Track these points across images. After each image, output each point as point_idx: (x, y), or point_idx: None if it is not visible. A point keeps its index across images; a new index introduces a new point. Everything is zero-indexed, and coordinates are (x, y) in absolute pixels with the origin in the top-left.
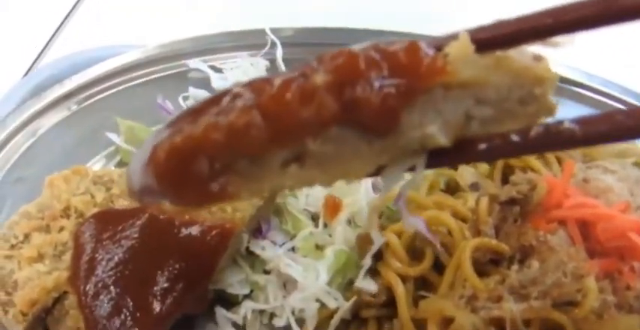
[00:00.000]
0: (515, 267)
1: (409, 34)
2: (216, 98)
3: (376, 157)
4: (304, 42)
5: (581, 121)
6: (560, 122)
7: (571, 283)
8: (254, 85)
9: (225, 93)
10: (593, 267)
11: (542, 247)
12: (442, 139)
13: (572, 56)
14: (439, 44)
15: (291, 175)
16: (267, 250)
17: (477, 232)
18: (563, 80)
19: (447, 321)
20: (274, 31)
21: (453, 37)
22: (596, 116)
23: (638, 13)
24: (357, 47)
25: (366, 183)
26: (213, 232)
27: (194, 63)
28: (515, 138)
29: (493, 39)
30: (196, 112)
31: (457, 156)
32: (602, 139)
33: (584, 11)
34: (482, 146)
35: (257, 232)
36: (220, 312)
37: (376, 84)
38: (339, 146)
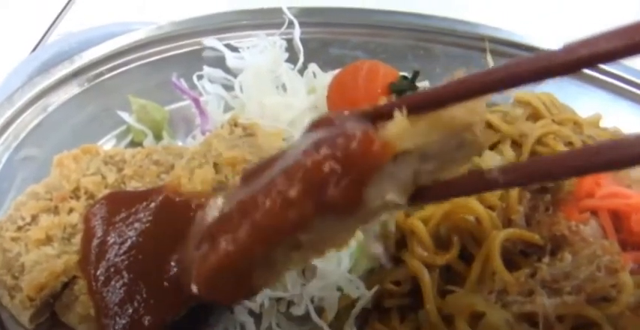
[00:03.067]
0: (546, 259)
1: (423, 14)
2: (224, 220)
3: (353, 227)
4: (322, 21)
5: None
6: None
7: (605, 277)
8: (242, 207)
9: (225, 214)
10: (628, 260)
11: (574, 237)
12: (400, 201)
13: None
14: (380, 115)
15: (295, 259)
16: None
17: (507, 221)
18: None
19: (476, 316)
20: (292, 9)
21: (388, 106)
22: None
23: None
24: (310, 140)
25: None
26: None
27: (209, 41)
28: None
29: (424, 103)
30: (212, 236)
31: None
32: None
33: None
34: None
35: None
36: None
37: (335, 182)
38: (322, 231)
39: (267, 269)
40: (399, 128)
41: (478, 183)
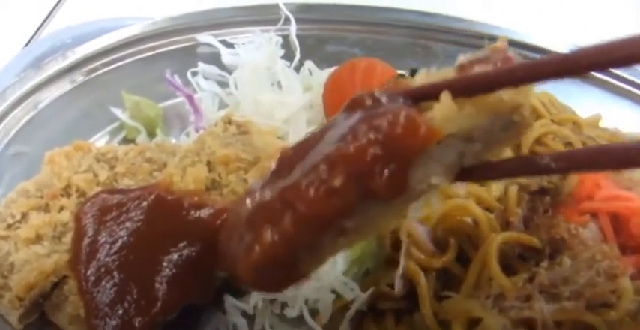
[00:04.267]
0: (544, 263)
1: (422, 11)
2: (265, 209)
3: (398, 211)
4: (319, 18)
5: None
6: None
7: (605, 282)
8: (285, 197)
9: (267, 203)
10: (628, 265)
11: (573, 240)
12: (445, 183)
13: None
14: (422, 95)
15: (341, 244)
16: None
17: (505, 224)
18: (546, 52)
19: (473, 321)
20: (288, 6)
21: (434, 87)
22: None
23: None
24: (350, 122)
25: None
26: (224, 216)
27: (204, 37)
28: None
29: (471, 86)
30: (254, 226)
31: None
32: None
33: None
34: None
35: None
36: (229, 300)
37: (380, 170)
38: (367, 216)
39: (314, 255)
40: (446, 112)
41: (528, 167)
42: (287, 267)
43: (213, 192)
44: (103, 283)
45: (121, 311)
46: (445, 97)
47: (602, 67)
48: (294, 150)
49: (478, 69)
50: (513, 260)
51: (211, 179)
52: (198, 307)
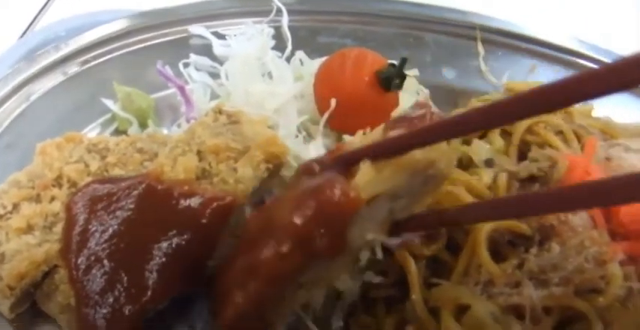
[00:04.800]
0: (534, 250)
1: (414, 2)
2: (235, 272)
3: (343, 265)
4: (310, 9)
5: None
6: None
7: (594, 268)
8: (250, 262)
9: (237, 269)
10: (617, 251)
11: (562, 227)
12: (380, 237)
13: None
14: (352, 160)
15: (301, 296)
16: None
17: None
18: (540, 43)
19: (462, 308)
20: None
21: (357, 154)
22: None
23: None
24: (295, 193)
25: None
26: (214, 205)
27: (196, 29)
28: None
29: (389, 149)
30: (229, 287)
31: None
32: None
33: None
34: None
35: (260, 206)
36: None
37: (320, 234)
38: (317, 271)
39: (279, 307)
40: (366, 178)
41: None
42: (257, 319)
43: (203, 181)
44: (94, 271)
45: (111, 300)
46: (364, 164)
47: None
48: (259, 214)
49: (397, 131)
50: (503, 247)
51: (202, 168)
52: (189, 296)
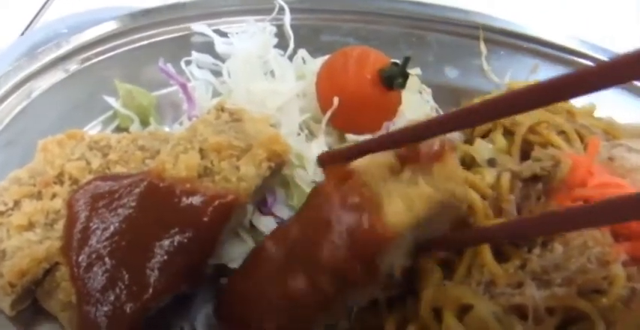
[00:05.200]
0: (537, 251)
1: (416, 1)
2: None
3: (371, 290)
4: (313, 8)
5: None
6: None
7: (597, 269)
8: (285, 293)
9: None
10: (620, 252)
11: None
12: (407, 263)
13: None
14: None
15: (327, 317)
16: (271, 227)
17: (498, 210)
18: (542, 43)
19: (465, 308)
20: None
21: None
22: None
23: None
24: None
25: None
26: (216, 203)
27: (198, 26)
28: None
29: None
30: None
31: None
32: None
33: None
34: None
35: (262, 205)
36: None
37: (356, 271)
38: (347, 299)
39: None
40: (399, 217)
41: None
42: None
43: (205, 179)
44: (95, 269)
45: (112, 297)
46: (395, 200)
47: None
48: (281, 237)
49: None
50: (506, 247)
51: (204, 166)
52: (190, 294)
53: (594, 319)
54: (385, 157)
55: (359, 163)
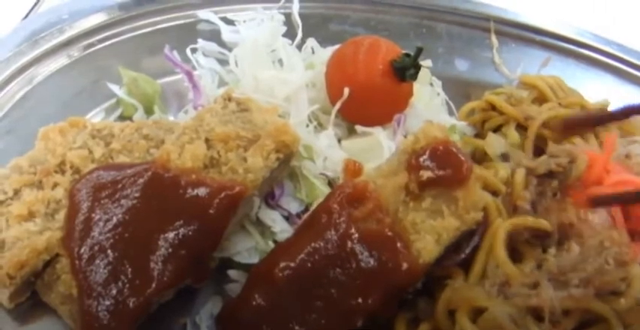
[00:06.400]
0: (552, 250)
1: None
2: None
3: None
4: None
5: None
6: None
7: (614, 270)
8: None
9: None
10: (638, 252)
11: (582, 226)
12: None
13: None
14: None
15: None
16: (278, 223)
17: (513, 208)
18: (554, 36)
19: (478, 310)
20: None
21: None
22: None
23: None
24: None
25: (390, 147)
26: (222, 194)
27: (204, 14)
28: None
29: None
30: None
31: None
32: None
33: None
34: None
35: (269, 197)
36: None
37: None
38: None
39: None
40: (431, 255)
41: None
42: None
43: (211, 170)
44: (97, 261)
45: (114, 291)
46: (427, 241)
47: None
48: (291, 266)
49: (426, 172)
50: (521, 245)
51: (210, 157)
52: (194, 289)
53: (612, 321)
54: (401, 178)
55: (371, 181)
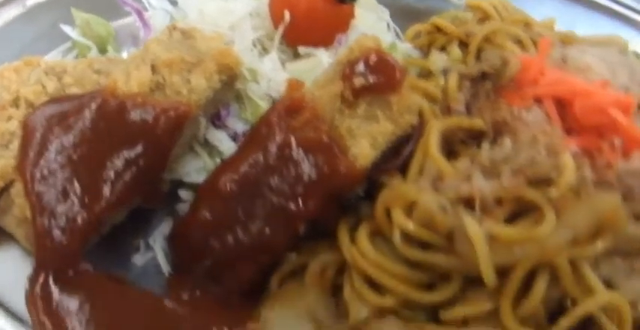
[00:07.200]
0: (486, 146)
1: None
2: None
3: None
4: None
5: None
6: None
7: (546, 159)
8: (263, 243)
9: None
10: (570, 143)
11: (516, 123)
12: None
13: None
14: None
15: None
16: (225, 142)
17: (448, 111)
18: None
19: (415, 206)
20: None
21: None
22: None
23: None
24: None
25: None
26: (167, 114)
27: None
28: None
29: None
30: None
31: None
32: None
33: None
34: None
35: (215, 118)
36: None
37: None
38: None
39: None
40: (367, 159)
41: None
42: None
43: (157, 93)
44: (49, 182)
45: (65, 209)
46: (363, 145)
47: None
48: (232, 172)
49: (359, 79)
50: (457, 145)
51: (155, 81)
52: (147, 211)
53: (543, 208)
54: (336, 87)
55: (309, 93)
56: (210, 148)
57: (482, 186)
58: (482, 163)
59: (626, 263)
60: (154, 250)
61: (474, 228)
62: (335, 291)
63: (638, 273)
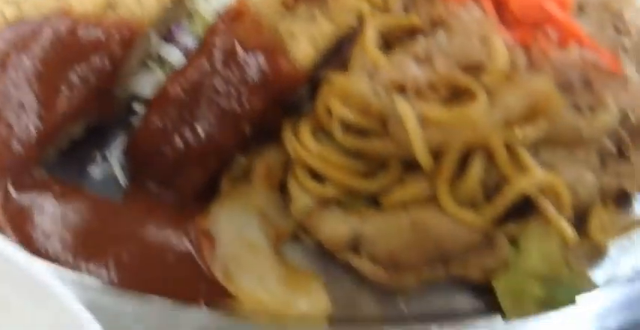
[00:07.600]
0: (421, 39)
1: None
2: None
3: None
4: None
5: None
6: None
7: (478, 46)
8: (212, 149)
9: None
10: (502, 31)
11: (452, 19)
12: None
13: None
14: None
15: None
16: (175, 55)
17: (386, 11)
18: None
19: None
20: None
21: None
22: None
23: None
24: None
25: None
26: (119, 31)
27: None
28: None
29: None
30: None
31: None
32: None
33: None
34: None
35: (167, 35)
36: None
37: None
38: None
39: None
40: (308, 59)
41: None
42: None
43: (110, 12)
44: (7, 98)
45: (20, 120)
46: (302, 45)
47: None
48: (182, 79)
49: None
50: (394, 42)
51: (107, 1)
52: (106, 127)
53: (475, 91)
54: None
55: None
56: (162, 62)
57: (415, 72)
58: (416, 53)
59: (567, 151)
60: (111, 163)
61: (406, 108)
62: (283, 189)
63: (579, 162)
